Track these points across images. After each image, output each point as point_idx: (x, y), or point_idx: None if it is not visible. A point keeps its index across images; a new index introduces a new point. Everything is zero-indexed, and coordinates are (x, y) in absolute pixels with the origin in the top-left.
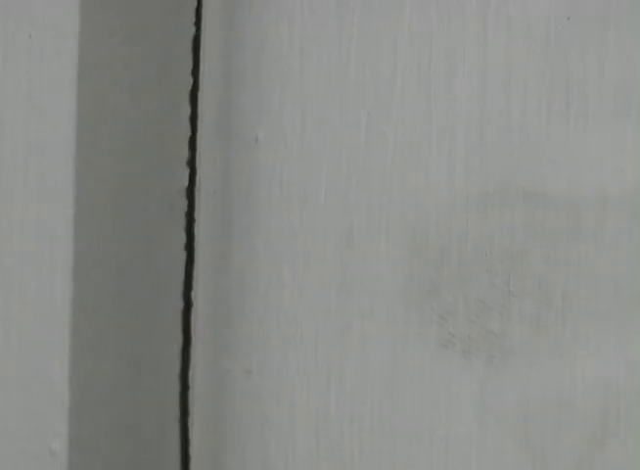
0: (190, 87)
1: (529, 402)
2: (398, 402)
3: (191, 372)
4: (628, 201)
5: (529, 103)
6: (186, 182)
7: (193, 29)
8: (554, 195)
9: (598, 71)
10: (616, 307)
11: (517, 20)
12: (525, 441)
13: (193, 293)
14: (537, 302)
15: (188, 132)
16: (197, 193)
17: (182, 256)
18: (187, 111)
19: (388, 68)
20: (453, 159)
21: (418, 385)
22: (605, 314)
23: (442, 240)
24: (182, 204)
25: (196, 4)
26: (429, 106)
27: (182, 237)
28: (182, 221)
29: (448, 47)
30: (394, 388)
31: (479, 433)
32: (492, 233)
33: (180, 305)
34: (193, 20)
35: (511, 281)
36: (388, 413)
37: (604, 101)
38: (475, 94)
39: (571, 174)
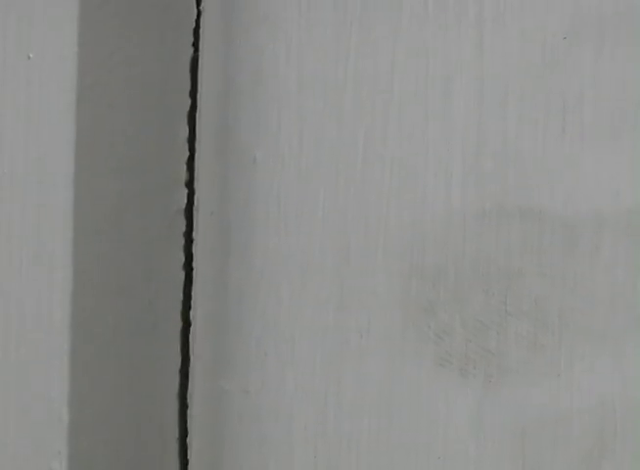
0: (188, 108)
1: (526, 421)
2: (396, 420)
3: (189, 391)
4: (624, 220)
5: (526, 122)
6: (184, 202)
7: (191, 51)
8: (550, 214)
9: (594, 92)
10: (612, 326)
11: (513, 39)
12: (522, 459)
13: (191, 312)
14: (534, 320)
15: (186, 153)
16: (195, 213)
17: (181, 275)
18: (185, 131)
19: (385, 87)
20: (450, 177)
21: (415, 403)
22: (601, 333)
23: (439, 259)
24: (181, 224)
25: (194, 25)
26: (426, 125)
27: (181, 257)
28: (181, 241)
29: (445, 68)
30: (392, 406)
31: (476, 451)
32: (489, 252)
33: (179, 324)
34: (191, 41)
35: (507, 300)
36: (386, 431)
37: (600, 121)
38: (471, 113)
39: (567, 193)
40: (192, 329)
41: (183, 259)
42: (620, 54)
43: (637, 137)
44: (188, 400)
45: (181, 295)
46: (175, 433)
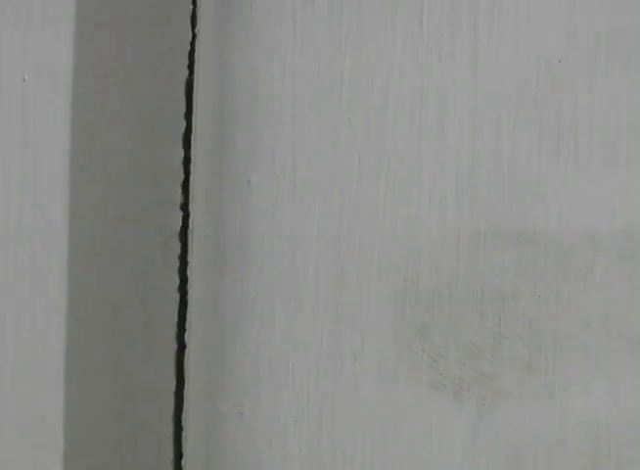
0: (183, 130)
1: (520, 443)
2: (390, 443)
3: (184, 414)
4: (618, 241)
5: (520, 144)
6: (179, 225)
7: (186, 73)
8: (544, 235)
9: (588, 113)
10: (606, 348)
11: (508, 57)
12: None
13: (186, 335)
14: (528, 343)
15: (181, 175)
16: (190, 236)
17: (175, 298)
18: (180, 154)
19: (379, 110)
20: (444, 200)
21: (409, 426)
22: (595, 355)
23: (433, 281)
24: (175, 247)
25: (189, 48)
26: (420, 148)
27: (175, 280)
28: (176, 264)
29: (439, 90)
30: (386, 428)
31: None
32: (483, 274)
33: (174, 347)
34: (186, 63)
35: (502, 323)
36: (380, 453)
37: (594, 143)
38: (466, 135)
39: (561, 215)
40: (187, 351)
41: (178, 282)
42: (615, 74)
43: (631, 158)
44: (183, 423)
45: (176, 317)
46: (170, 455)
